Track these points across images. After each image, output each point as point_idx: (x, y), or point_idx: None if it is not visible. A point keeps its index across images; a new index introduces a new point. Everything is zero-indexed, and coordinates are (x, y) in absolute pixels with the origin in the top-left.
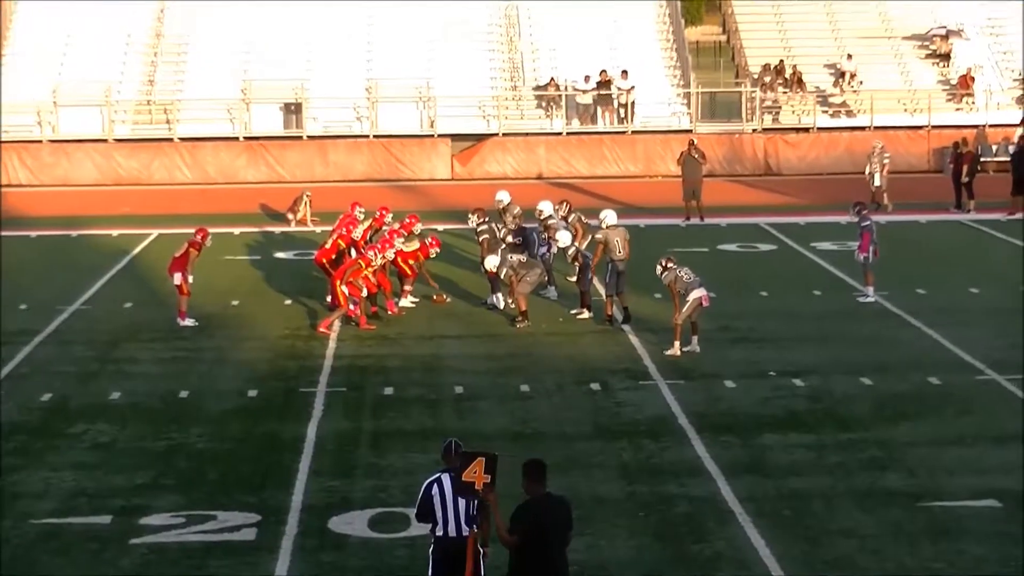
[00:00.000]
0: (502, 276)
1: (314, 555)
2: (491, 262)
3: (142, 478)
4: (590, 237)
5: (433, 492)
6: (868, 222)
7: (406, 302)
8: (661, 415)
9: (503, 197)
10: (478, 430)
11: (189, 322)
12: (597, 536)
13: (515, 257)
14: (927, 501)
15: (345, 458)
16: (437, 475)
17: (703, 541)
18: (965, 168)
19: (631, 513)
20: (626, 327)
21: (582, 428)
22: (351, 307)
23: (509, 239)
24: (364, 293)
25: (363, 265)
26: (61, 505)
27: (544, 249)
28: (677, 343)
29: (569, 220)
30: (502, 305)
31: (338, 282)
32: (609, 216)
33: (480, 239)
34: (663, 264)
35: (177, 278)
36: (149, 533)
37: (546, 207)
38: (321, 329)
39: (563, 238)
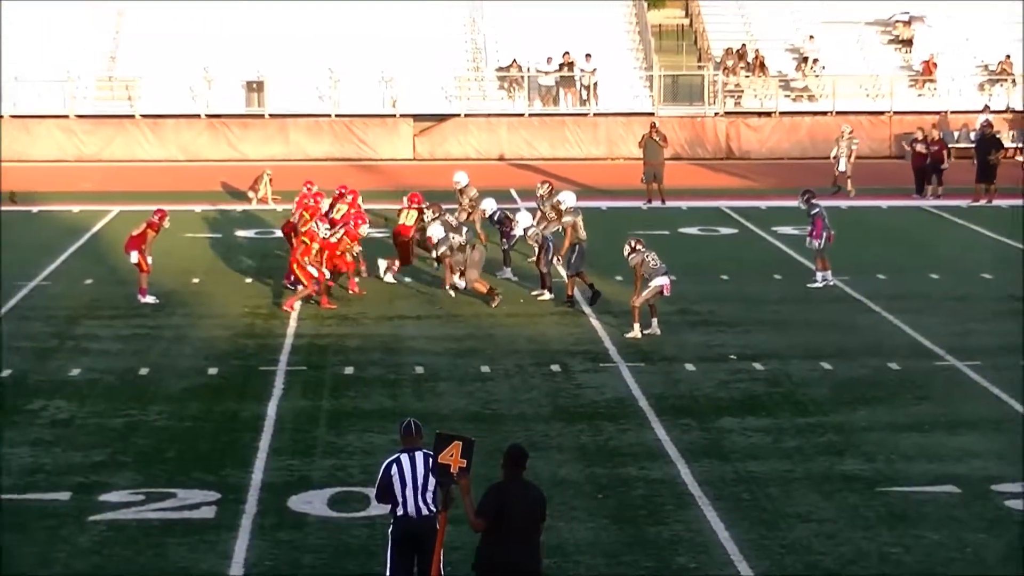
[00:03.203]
0: (439, 254)
1: (273, 534)
2: (436, 232)
3: (100, 455)
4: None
5: (392, 472)
6: (818, 209)
7: (390, 277)
8: (621, 397)
9: (460, 179)
10: (437, 411)
11: (150, 299)
12: (555, 518)
13: (455, 238)
14: (885, 486)
15: (304, 437)
16: (396, 455)
17: (661, 524)
18: (944, 153)
19: (590, 495)
20: (587, 309)
21: (541, 410)
22: (314, 286)
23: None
24: (327, 274)
25: (308, 241)
26: (19, 481)
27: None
28: (637, 325)
29: (549, 202)
30: (462, 285)
31: (295, 264)
32: (569, 198)
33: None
34: (631, 245)
35: (134, 256)
36: (108, 510)
37: (489, 205)
38: (285, 308)
39: (523, 219)
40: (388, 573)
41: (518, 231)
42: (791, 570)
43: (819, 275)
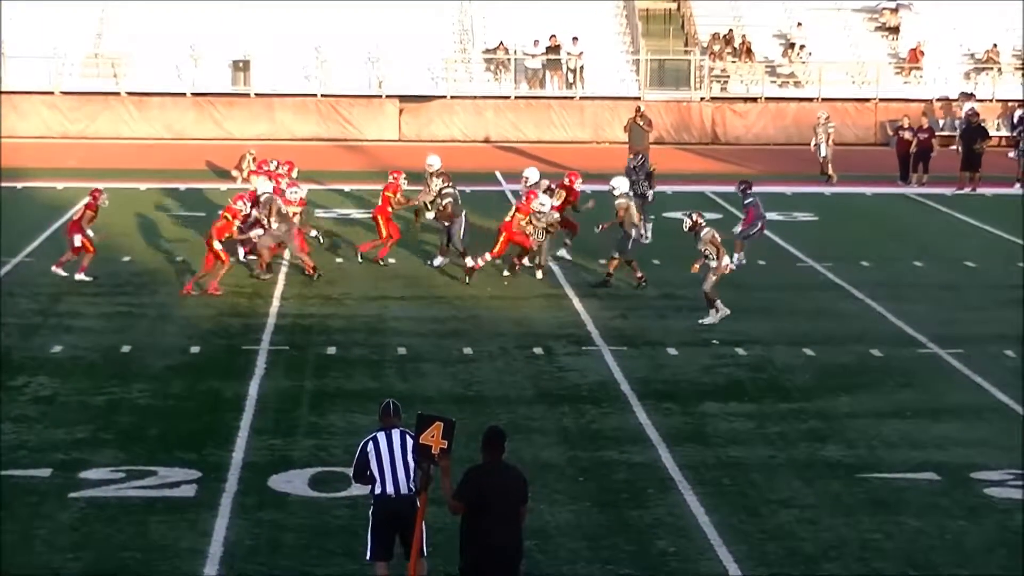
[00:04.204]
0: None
1: (253, 513)
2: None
3: (82, 432)
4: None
5: (369, 450)
6: (751, 199)
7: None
8: (604, 381)
9: (433, 161)
10: (421, 392)
11: (86, 277)
12: (537, 500)
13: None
14: (866, 473)
15: (286, 417)
16: (373, 434)
17: (642, 508)
18: (934, 143)
19: (571, 478)
20: (571, 292)
21: (524, 392)
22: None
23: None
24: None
25: (230, 218)
26: (0, 457)
27: None
28: (719, 303)
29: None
30: (471, 264)
31: (214, 242)
32: (622, 184)
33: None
34: (694, 219)
35: (77, 240)
36: (88, 487)
37: (532, 174)
38: (211, 290)
39: (543, 200)
40: (369, 553)
41: (535, 206)
42: (772, 555)
43: (735, 256)
